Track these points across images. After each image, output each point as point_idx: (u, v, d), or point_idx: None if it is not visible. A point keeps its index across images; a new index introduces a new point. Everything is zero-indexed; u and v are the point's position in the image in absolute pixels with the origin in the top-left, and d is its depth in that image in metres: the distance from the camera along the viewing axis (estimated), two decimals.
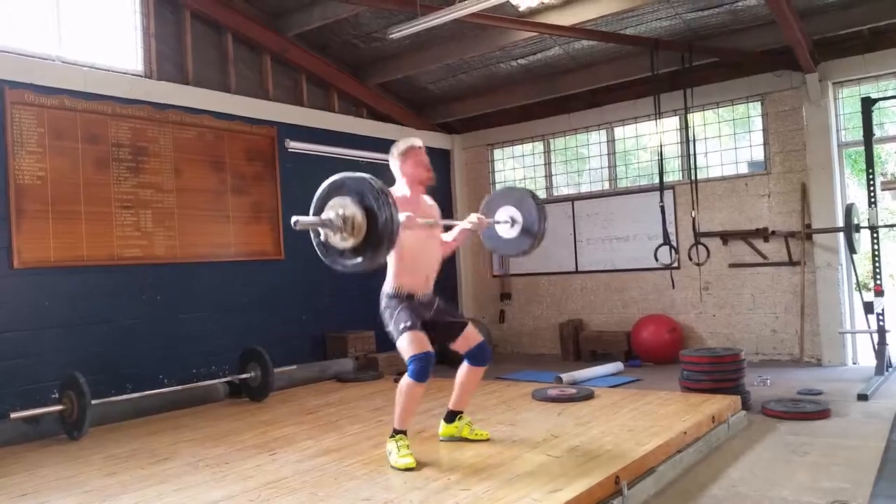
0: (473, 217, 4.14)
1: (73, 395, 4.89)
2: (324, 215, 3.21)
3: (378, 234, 3.12)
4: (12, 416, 4.80)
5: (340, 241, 3.21)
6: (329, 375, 6.98)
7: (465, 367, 4.03)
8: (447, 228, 4.15)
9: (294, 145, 7.34)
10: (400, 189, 3.88)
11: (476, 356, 3.98)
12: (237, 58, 7.15)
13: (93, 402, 4.87)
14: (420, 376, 3.62)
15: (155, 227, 6.14)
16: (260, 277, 6.95)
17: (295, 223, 3.15)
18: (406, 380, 3.67)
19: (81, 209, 5.67)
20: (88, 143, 5.75)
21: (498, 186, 9.48)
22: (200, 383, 6.05)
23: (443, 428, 4.16)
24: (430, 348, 3.67)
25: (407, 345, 3.66)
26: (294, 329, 7.20)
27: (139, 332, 5.95)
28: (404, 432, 3.74)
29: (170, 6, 6.61)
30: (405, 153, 3.92)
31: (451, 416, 4.14)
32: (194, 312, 6.37)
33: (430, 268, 3.94)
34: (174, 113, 6.36)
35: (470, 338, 3.97)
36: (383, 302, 3.85)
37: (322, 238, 3.29)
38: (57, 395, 5.06)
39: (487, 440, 4.07)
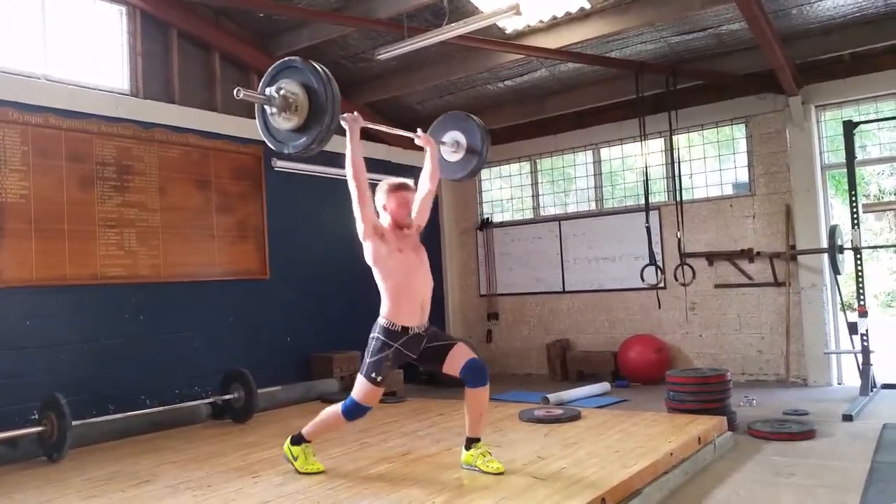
0: (420, 133, 4.26)
1: (53, 416, 4.80)
2: (268, 92, 3.42)
3: (319, 109, 3.29)
4: None
5: (284, 121, 3.41)
6: (313, 396, 6.91)
7: (466, 391, 3.82)
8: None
9: (281, 164, 7.32)
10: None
11: (469, 376, 3.75)
12: (224, 77, 7.15)
13: (73, 423, 4.78)
14: (352, 417, 3.89)
15: (139, 246, 6.10)
16: (245, 297, 6.90)
17: (237, 92, 3.32)
18: (338, 411, 3.90)
19: (65, 228, 5.61)
20: (73, 162, 5.72)
21: (485, 206, 9.50)
22: (183, 404, 5.96)
23: (463, 455, 3.94)
24: (373, 405, 3.88)
25: (361, 391, 3.81)
26: (279, 349, 7.13)
27: (121, 352, 5.88)
28: (310, 442, 4.02)
29: (157, 25, 6.61)
30: (394, 189, 3.89)
31: (468, 443, 3.93)
32: (177, 332, 6.31)
33: (424, 291, 3.86)
34: (160, 131, 6.34)
35: (457, 357, 3.78)
36: (374, 331, 3.81)
37: (269, 114, 3.47)
38: (37, 417, 4.96)
39: (501, 474, 3.74)
